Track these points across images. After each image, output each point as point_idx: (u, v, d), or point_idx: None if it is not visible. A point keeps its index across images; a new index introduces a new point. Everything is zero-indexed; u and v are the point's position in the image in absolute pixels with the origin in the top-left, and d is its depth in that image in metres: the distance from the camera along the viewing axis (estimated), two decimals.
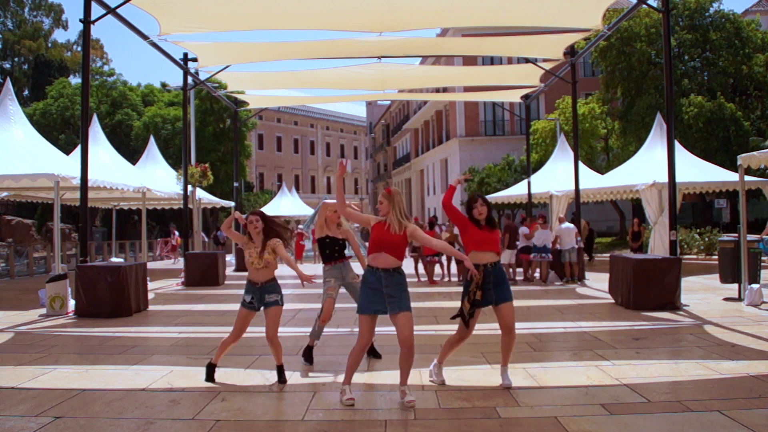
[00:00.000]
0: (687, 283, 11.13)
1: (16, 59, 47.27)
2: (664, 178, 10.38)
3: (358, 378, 5.45)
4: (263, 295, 5.22)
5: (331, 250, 6.06)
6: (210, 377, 5.36)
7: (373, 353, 6.12)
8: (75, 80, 41.04)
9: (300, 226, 28.66)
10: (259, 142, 59.30)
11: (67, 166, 11.53)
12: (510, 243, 13.52)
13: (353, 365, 4.77)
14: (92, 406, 4.72)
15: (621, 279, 9.82)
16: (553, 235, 13.67)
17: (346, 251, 6.27)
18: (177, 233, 26.70)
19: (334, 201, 5.33)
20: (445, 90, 31.43)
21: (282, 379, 5.32)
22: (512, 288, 5.22)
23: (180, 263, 23.00)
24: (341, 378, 5.46)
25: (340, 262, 6.09)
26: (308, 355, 6.01)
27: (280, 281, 5.37)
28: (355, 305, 6.24)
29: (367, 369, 5.73)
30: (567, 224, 13.49)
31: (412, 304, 4.68)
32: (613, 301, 10.17)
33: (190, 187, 15.56)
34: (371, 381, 5.37)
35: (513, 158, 30.34)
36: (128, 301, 9.49)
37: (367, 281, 4.72)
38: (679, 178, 11.22)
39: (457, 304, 5.05)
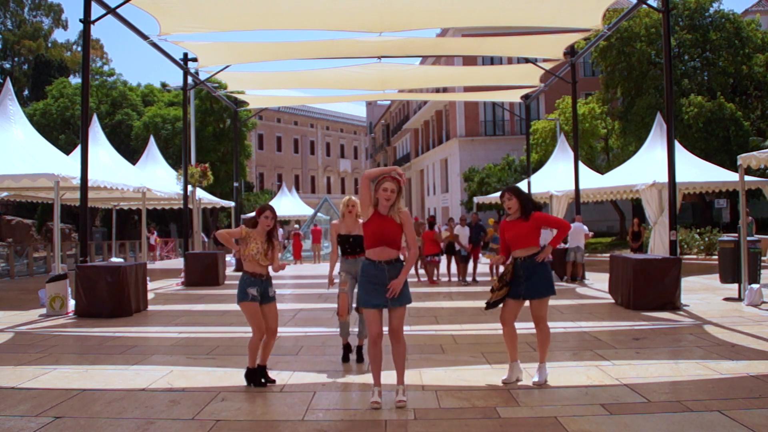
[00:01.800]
0: (687, 283, 11.12)
1: (16, 59, 47.29)
2: (664, 178, 10.37)
3: (357, 379, 5.45)
4: (266, 288, 5.19)
5: (352, 247, 5.94)
6: (257, 382, 5.18)
7: (361, 357, 6.04)
8: (75, 80, 41.02)
9: (296, 226, 28.71)
10: (259, 142, 59.24)
11: (67, 166, 11.53)
12: None
13: (375, 362, 4.57)
14: (92, 406, 4.72)
15: (621, 279, 9.82)
16: None
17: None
18: (156, 233, 26.69)
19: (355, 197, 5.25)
20: (445, 90, 31.44)
21: (269, 379, 5.25)
22: None
23: (154, 264, 23.07)
24: (341, 378, 5.48)
25: (354, 257, 5.94)
26: (346, 354, 6.03)
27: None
28: None
29: (366, 370, 5.72)
30: (577, 223, 13.45)
31: (413, 305, 4.65)
32: (613, 301, 10.17)
33: (190, 187, 15.56)
34: (370, 381, 5.36)
35: (513, 158, 30.35)
36: (128, 301, 9.48)
37: (367, 274, 4.56)
38: (679, 178, 11.21)
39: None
